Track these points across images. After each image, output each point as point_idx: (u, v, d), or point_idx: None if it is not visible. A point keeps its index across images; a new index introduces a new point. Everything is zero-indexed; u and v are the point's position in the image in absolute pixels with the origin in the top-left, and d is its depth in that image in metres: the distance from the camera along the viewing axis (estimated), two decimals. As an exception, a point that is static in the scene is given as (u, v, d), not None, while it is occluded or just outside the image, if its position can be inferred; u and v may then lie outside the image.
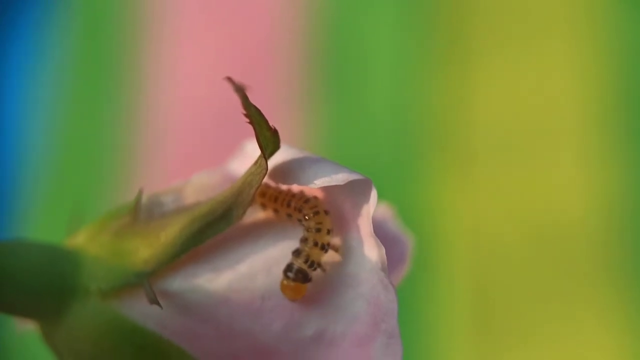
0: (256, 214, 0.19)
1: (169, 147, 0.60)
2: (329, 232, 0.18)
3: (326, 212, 0.18)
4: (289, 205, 0.18)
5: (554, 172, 0.59)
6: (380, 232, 0.20)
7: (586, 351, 0.54)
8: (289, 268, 0.17)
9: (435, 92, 0.61)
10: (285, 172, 0.18)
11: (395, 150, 0.60)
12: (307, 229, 0.18)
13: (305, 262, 0.17)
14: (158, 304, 0.18)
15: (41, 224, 0.58)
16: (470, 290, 0.56)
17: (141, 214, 0.19)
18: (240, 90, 0.17)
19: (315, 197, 0.18)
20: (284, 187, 0.18)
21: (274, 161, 0.18)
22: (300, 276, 0.17)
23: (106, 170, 0.60)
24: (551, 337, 0.55)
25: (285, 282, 0.17)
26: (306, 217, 0.18)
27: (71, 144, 0.61)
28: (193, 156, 0.60)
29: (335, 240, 0.18)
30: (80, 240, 0.19)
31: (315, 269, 0.17)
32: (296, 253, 0.18)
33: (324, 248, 0.18)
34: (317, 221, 0.18)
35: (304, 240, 0.18)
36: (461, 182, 0.58)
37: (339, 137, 0.61)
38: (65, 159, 0.61)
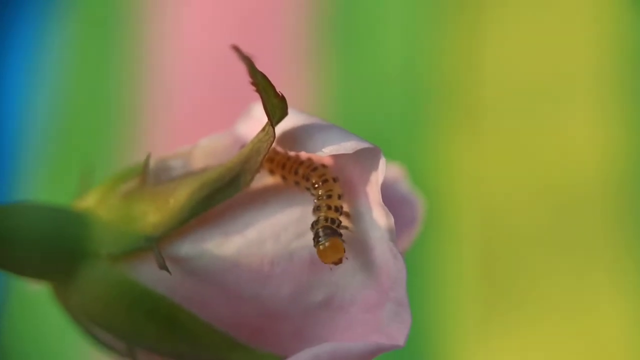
0: (264, 180, 0.19)
1: (175, 105, 0.60)
2: (339, 197, 0.18)
3: (335, 180, 0.18)
4: (296, 173, 0.18)
5: (566, 130, 0.59)
6: (391, 193, 0.20)
7: (596, 310, 0.54)
8: (316, 235, 0.17)
9: (445, 48, 0.60)
10: (293, 138, 0.18)
11: (405, 107, 0.59)
12: (318, 198, 0.17)
13: (326, 221, 0.17)
14: (167, 269, 0.18)
15: (47, 186, 0.58)
16: (478, 250, 0.56)
17: (150, 178, 0.19)
18: (247, 59, 0.17)
19: (323, 165, 0.18)
20: (292, 153, 0.18)
21: (282, 127, 0.18)
22: (329, 232, 0.17)
23: (113, 130, 0.60)
24: (560, 296, 0.55)
25: (321, 247, 0.17)
26: (315, 186, 0.17)
27: (76, 105, 0.61)
28: (199, 114, 0.59)
29: (346, 207, 0.18)
30: (90, 202, 0.19)
31: (338, 226, 0.17)
32: (315, 223, 0.17)
33: (338, 210, 0.17)
34: (327, 189, 0.17)
35: (317, 209, 0.17)
36: (471, 140, 0.58)
37: (348, 94, 0.60)
38: (71, 120, 0.60)
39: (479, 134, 0.58)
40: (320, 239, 0.17)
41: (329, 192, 0.17)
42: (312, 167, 0.18)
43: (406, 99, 0.60)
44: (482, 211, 0.57)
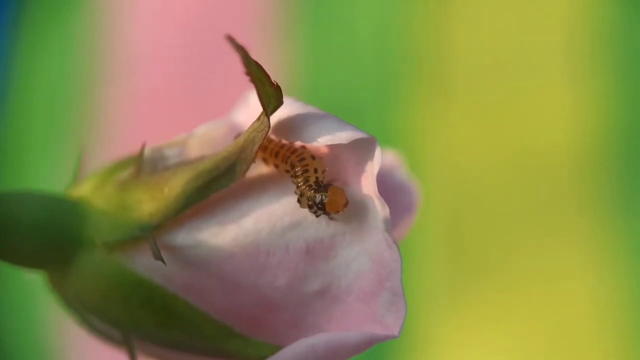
0: (260, 169, 0.19)
1: (137, 81, 0.59)
2: (316, 170, 0.18)
3: (313, 157, 0.18)
4: (286, 162, 0.18)
5: (536, 99, 0.58)
6: (388, 181, 0.20)
7: (565, 277, 0.54)
8: (310, 201, 0.17)
9: (417, 18, 0.60)
10: (289, 128, 0.18)
11: (376, 76, 0.59)
12: (294, 176, 0.17)
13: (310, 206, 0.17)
14: (162, 259, 0.18)
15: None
16: (448, 218, 0.56)
17: (145, 167, 0.19)
18: (241, 49, 0.17)
19: (303, 146, 0.18)
20: (286, 142, 0.18)
21: (277, 116, 0.18)
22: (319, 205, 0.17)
23: (71, 111, 0.59)
24: (529, 263, 0.55)
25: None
26: (295, 169, 0.17)
27: (33, 85, 0.60)
28: (161, 91, 0.59)
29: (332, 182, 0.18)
30: (85, 191, 0.19)
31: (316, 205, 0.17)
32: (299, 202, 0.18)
33: (314, 187, 0.17)
34: (303, 165, 0.17)
35: (300, 196, 0.18)
36: (441, 109, 0.57)
37: (320, 64, 0.60)
38: (28, 98, 0.60)
39: (450, 103, 0.58)
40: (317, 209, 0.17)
41: (304, 167, 0.17)
42: (300, 156, 0.18)
43: (377, 68, 0.59)
44: (452, 179, 0.57)
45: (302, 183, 0.17)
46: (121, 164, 0.19)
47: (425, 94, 0.58)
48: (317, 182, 0.17)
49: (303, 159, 0.18)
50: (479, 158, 0.57)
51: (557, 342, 0.54)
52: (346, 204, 0.17)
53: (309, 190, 0.17)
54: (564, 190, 0.57)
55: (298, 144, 0.18)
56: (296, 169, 0.17)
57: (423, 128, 0.58)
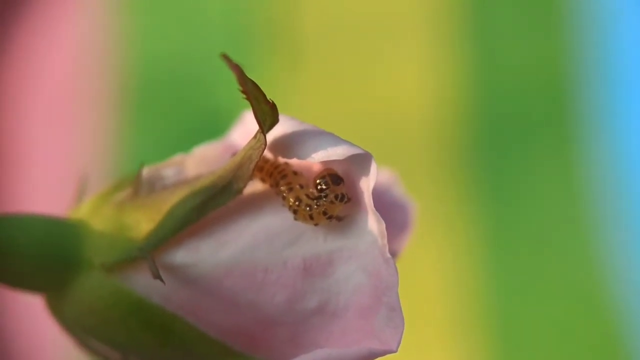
0: (257, 186, 0.19)
1: None
2: (301, 187, 0.18)
3: (295, 173, 0.18)
4: (277, 185, 0.18)
5: (391, 67, 0.58)
6: (384, 198, 0.20)
7: (411, 254, 0.54)
8: (306, 209, 0.18)
9: None
10: (285, 145, 0.18)
11: (225, 46, 0.58)
12: (283, 197, 0.18)
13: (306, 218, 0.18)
14: (161, 278, 0.18)
15: None
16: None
17: (143, 187, 0.19)
18: (236, 67, 0.17)
19: (286, 163, 0.18)
20: (282, 160, 0.18)
21: (274, 134, 0.18)
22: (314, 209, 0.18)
23: None
24: None
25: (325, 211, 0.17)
26: (281, 188, 0.18)
27: None
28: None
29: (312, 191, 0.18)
30: (83, 213, 0.19)
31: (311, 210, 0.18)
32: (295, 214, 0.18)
33: (305, 203, 0.18)
34: (287, 182, 0.18)
35: (292, 211, 0.18)
36: (293, 78, 0.57)
37: (168, 38, 0.59)
38: None
39: (301, 72, 0.57)
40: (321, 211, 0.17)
41: (289, 185, 0.18)
42: (282, 173, 0.18)
43: (227, 41, 0.59)
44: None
45: (292, 200, 0.18)
46: (119, 185, 0.19)
47: (276, 64, 0.57)
48: (308, 195, 0.17)
49: (285, 175, 0.18)
50: (332, 128, 0.57)
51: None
52: (348, 200, 0.17)
53: (307, 199, 0.17)
54: (421, 162, 0.56)
55: (288, 160, 0.18)
56: (281, 187, 0.18)
57: (275, 98, 0.56)
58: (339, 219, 0.17)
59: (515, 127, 0.57)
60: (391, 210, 0.20)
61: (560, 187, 0.56)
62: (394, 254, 0.20)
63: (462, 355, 0.54)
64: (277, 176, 0.18)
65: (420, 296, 0.54)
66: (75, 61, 0.60)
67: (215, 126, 0.57)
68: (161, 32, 0.60)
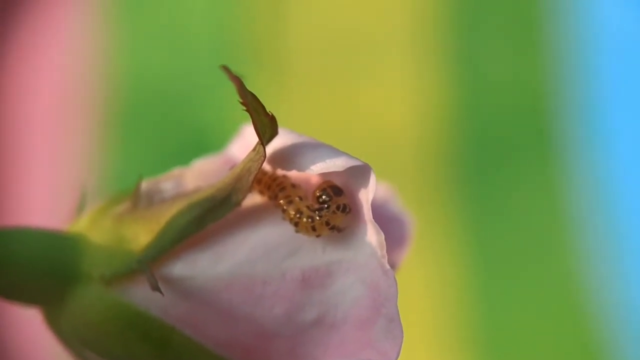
0: (255, 198, 0.19)
1: None
2: (301, 199, 0.18)
3: (293, 185, 0.18)
4: (276, 197, 0.18)
5: (377, 83, 0.58)
6: (382, 212, 0.20)
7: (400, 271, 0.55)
8: (308, 222, 0.18)
9: (252, 6, 0.60)
10: (284, 157, 0.18)
11: (211, 62, 0.58)
12: (283, 210, 0.18)
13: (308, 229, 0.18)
14: (160, 290, 0.18)
15: None
16: None
17: (141, 200, 0.19)
18: (236, 79, 0.17)
19: (284, 176, 0.18)
20: (280, 173, 0.18)
21: (273, 146, 0.18)
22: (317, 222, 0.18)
23: None
24: None
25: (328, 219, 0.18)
26: (280, 201, 0.18)
27: None
28: None
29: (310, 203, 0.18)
30: (82, 226, 0.19)
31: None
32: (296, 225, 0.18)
33: (306, 215, 0.18)
34: (285, 195, 0.18)
35: (292, 223, 0.18)
36: (279, 94, 0.57)
37: (153, 53, 0.59)
38: None
39: (288, 88, 0.57)
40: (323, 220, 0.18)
41: (288, 198, 0.18)
42: (280, 185, 0.18)
43: (212, 54, 0.59)
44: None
45: (293, 212, 0.18)
46: (117, 198, 0.19)
47: (262, 79, 0.57)
48: (308, 207, 0.18)
49: (283, 188, 0.18)
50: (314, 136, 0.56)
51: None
52: (349, 210, 0.18)
53: (308, 211, 0.18)
54: (406, 177, 0.57)
55: (286, 173, 0.18)
56: (280, 200, 0.18)
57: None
58: (340, 229, 0.18)
59: (499, 143, 0.57)
60: (389, 224, 0.20)
61: (542, 201, 0.57)
62: (392, 267, 0.20)
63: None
64: (276, 189, 0.18)
65: (404, 306, 0.54)
66: (63, 78, 0.60)
67: (202, 140, 0.57)
68: (148, 48, 0.60)
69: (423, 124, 0.57)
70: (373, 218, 0.18)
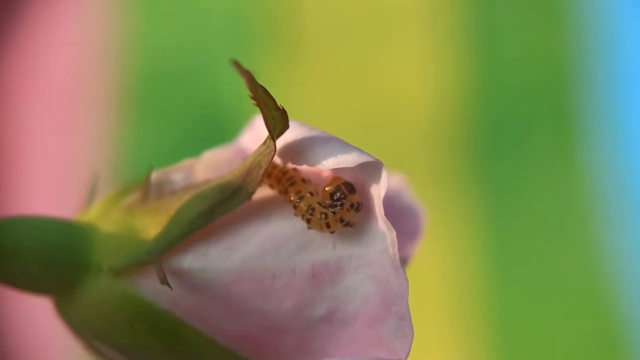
0: (266, 191, 0.18)
1: None
2: (312, 194, 0.18)
3: (304, 180, 0.18)
4: (286, 192, 0.18)
5: (393, 62, 0.58)
6: (395, 203, 0.20)
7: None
8: (321, 218, 0.17)
9: None
10: (295, 151, 0.18)
11: (227, 40, 0.58)
12: (295, 206, 0.18)
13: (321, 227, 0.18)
14: (168, 284, 0.18)
15: None
16: None
17: (152, 191, 0.19)
18: (247, 73, 0.17)
19: (295, 169, 0.18)
20: (290, 167, 0.18)
21: (284, 139, 0.18)
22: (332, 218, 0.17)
23: None
24: None
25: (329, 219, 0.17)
26: (290, 196, 0.18)
27: None
28: None
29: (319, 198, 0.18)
30: (92, 216, 0.19)
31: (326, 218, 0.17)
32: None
33: (319, 211, 0.17)
34: (296, 190, 0.18)
35: (305, 219, 0.18)
36: (295, 73, 0.56)
37: (171, 29, 0.59)
38: None
39: (303, 67, 0.57)
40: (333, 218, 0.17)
41: (298, 194, 0.18)
42: (291, 181, 0.18)
43: (228, 36, 0.58)
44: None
45: (305, 208, 0.17)
46: (128, 189, 0.19)
47: (278, 59, 0.57)
48: (320, 203, 0.17)
49: (294, 183, 0.18)
50: (333, 124, 0.56)
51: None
52: (361, 208, 0.17)
53: (321, 207, 0.17)
54: (421, 156, 0.56)
55: (304, 168, 0.18)
56: (290, 195, 0.18)
57: (276, 93, 0.56)
58: (352, 225, 0.17)
59: (517, 122, 0.57)
60: (401, 216, 0.20)
61: (561, 181, 0.56)
62: (404, 260, 0.20)
63: (462, 352, 0.54)
64: (286, 183, 0.18)
65: (418, 293, 0.54)
66: (75, 58, 0.60)
67: (216, 122, 0.56)
68: (162, 29, 0.59)
69: (440, 102, 0.57)
70: (385, 209, 0.17)
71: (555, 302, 0.55)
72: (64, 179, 0.57)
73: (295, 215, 0.18)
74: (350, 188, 0.17)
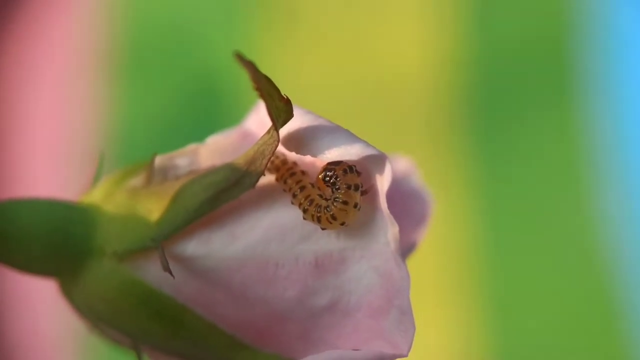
0: (271, 178, 0.18)
1: None
2: (313, 186, 0.18)
3: (303, 172, 0.18)
4: (285, 182, 0.18)
5: (386, 26, 0.57)
6: (402, 188, 0.20)
7: None
8: (318, 212, 0.17)
9: None
10: (299, 140, 0.18)
11: (220, 8, 0.57)
12: (293, 195, 0.17)
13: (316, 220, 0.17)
14: (170, 272, 0.18)
15: None
16: None
17: (156, 175, 0.19)
18: (249, 64, 0.16)
19: (294, 163, 0.18)
20: (292, 155, 0.18)
21: (288, 128, 0.18)
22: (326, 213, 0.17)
23: None
24: None
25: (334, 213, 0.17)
26: (294, 195, 0.17)
27: None
28: None
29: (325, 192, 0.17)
30: (96, 197, 0.19)
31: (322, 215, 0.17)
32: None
33: (314, 202, 0.17)
34: (297, 180, 0.17)
35: (304, 211, 0.17)
36: (287, 34, 0.55)
37: None
38: None
39: (296, 28, 0.56)
40: (327, 216, 0.17)
41: (299, 183, 0.17)
42: (291, 172, 0.18)
43: (221, 3, 0.58)
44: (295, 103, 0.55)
45: (303, 199, 0.17)
46: (131, 171, 0.19)
47: (270, 19, 0.56)
48: (320, 195, 0.17)
49: (294, 173, 0.17)
50: (326, 86, 0.56)
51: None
52: (364, 189, 0.17)
53: (320, 199, 0.17)
54: (418, 123, 0.56)
55: (308, 158, 0.18)
56: (290, 186, 0.17)
57: (268, 53, 0.55)
58: (345, 224, 0.17)
59: (514, 92, 0.56)
60: (409, 201, 0.20)
61: (558, 148, 0.56)
62: (411, 246, 0.20)
63: (459, 320, 0.53)
64: (286, 173, 0.18)
65: (414, 260, 0.53)
66: (70, 25, 0.59)
67: (209, 91, 0.56)
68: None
69: (437, 72, 0.56)
70: (393, 193, 0.17)
71: (552, 264, 0.54)
72: (59, 154, 0.57)
73: (293, 204, 0.17)
74: (346, 170, 0.17)
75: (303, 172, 0.18)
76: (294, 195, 0.17)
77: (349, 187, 0.17)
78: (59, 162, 0.56)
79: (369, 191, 0.17)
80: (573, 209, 0.54)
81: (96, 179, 0.20)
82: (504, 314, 0.53)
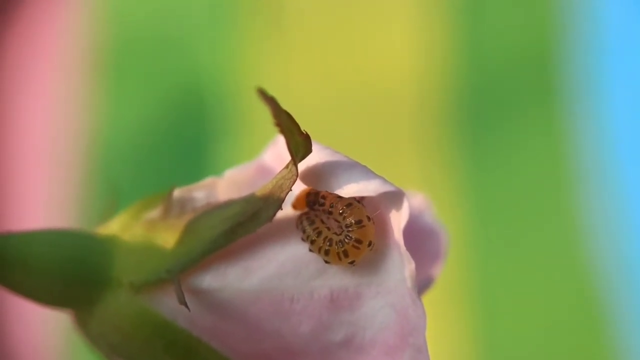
0: (288, 211, 0.18)
1: None
2: (323, 221, 0.18)
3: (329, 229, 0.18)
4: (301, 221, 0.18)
5: (377, 31, 0.57)
6: (416, 225, 0.20)
7: None
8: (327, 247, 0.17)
9: None
10: (317, 176, 0.18)
11: (208, 6, 0.58)
12: (303, 231, 0.18)
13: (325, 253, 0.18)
14: (186, 305, 0.18)
15: None
16: None
17: (173, 208, 0.19)
18: (271, 100, 0.17)
19: (322, 221, 0.18)
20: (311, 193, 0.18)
21: (306, 162, 0.18)
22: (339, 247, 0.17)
23: None
24: None
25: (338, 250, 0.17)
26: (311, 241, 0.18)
27: None
28: None
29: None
30: (113, 229, 0.19)
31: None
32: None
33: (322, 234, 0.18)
34: (315, 227, 0.18)
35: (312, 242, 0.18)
36: (276, 42, 0.55)
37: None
38: None
39: (285, 36, 0.56)
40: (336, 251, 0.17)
41: (316, 230, 0.18)
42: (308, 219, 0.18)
43: (210, 1, 0.58)
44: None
45: (311, 232, 0.17)
46: (149, 202, 0.19)
47: (257, 24, 0.56)
48: (329, 228, 0.17)
49: (313, 222, 0.18)
50: (315, 95, 0.56)
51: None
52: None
53: (328, 232, 0.17)
54: (406, 127, 0.56)
55: (325, 194, 0.18)
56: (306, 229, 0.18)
57: (257, 61, 0.55)
58: (354, 262, 0.17)
59: (502, 96, 0.57)
60: (423, 237, 0.20)
61: (545, 151, 0.56)
62: (428, 282, 0.20)
63: (446, 323, 0.53)
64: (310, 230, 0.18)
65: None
66: (55, 31, 0.59)
67: (194, 91, 0.56)
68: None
69: (425, 75, 0.57)
70: (408, 230, 0.17)
71: (536, 268, 0.54)
72: (45, 157, 0.57)
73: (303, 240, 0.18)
74: (351, 203, 0.17)
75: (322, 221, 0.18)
76: (304, 231, 0.18)
77: (358, 223, 0.17)
78: (45, 163, 0.56)
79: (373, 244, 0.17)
80: (560, 211, 0.54)
81: (112, 209, 0.20)
82: (491, 317, 0.53)
